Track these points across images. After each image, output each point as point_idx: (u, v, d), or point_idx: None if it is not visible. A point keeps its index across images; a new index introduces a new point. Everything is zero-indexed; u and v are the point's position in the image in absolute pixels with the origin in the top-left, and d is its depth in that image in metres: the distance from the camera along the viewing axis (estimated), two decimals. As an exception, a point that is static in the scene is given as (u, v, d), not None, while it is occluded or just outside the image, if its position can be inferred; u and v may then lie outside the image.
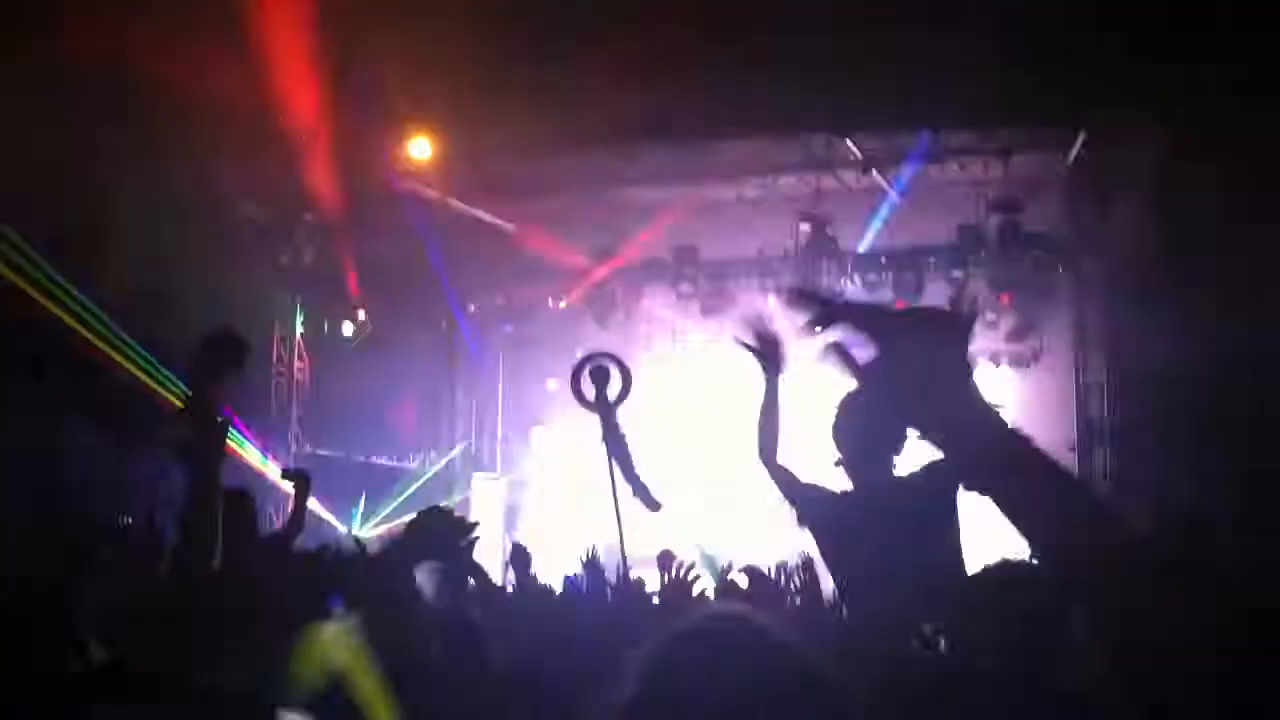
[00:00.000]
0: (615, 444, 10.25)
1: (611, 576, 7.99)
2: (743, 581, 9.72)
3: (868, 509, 5.18)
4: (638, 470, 9.94)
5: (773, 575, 8.75)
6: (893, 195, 17.36)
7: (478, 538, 4.11)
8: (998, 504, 1.84)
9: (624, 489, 9.75)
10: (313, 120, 14.37)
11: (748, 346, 5.60)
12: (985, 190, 16.83)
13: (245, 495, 6.22)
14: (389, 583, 4.66)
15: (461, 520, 4.11)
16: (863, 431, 5.23)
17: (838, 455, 5.36)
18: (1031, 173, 16.74)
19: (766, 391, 5.61)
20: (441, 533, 3.81)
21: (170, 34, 11.71)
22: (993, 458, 1.83)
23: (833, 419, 5.35)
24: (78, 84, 11.52)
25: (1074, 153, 16.27)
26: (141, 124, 12.34)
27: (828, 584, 7.35)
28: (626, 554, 9.08)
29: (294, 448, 18.74)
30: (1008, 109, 14.99)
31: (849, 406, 5.32)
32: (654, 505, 9.73)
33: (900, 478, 5.29)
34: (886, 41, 12.78)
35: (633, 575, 8.10)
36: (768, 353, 5.60)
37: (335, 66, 13.39)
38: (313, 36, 12.76)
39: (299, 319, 19.69)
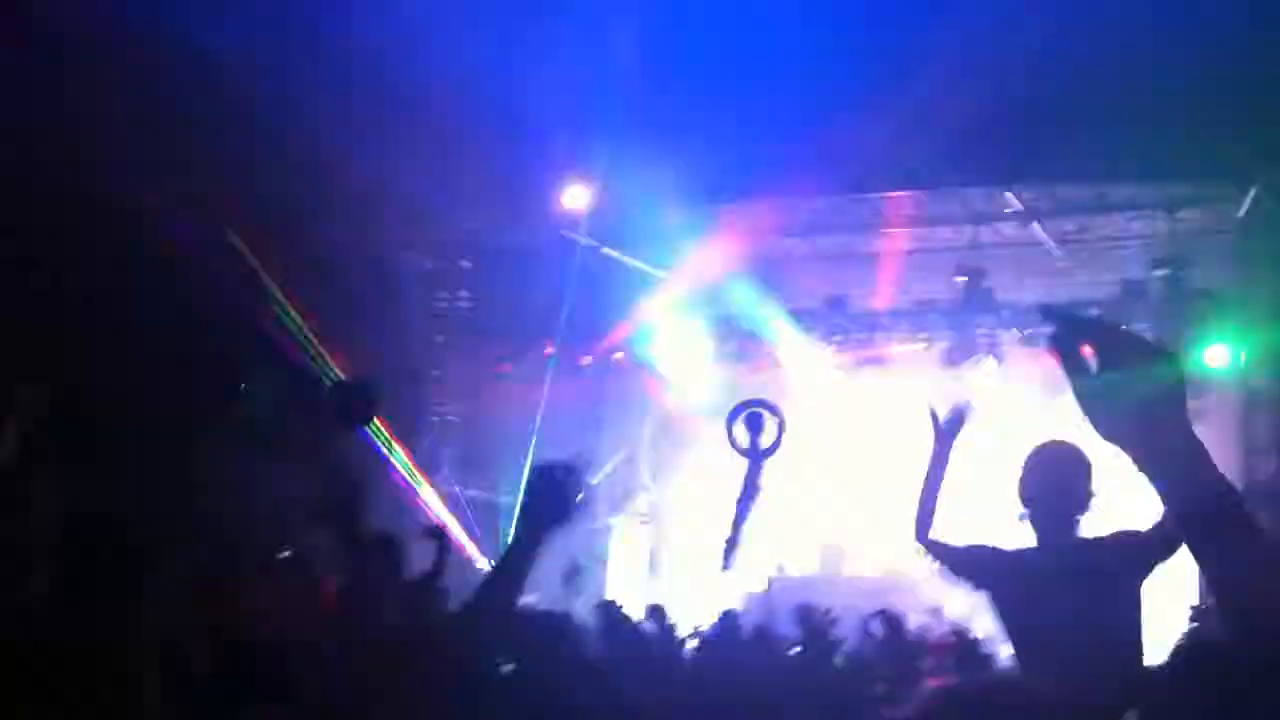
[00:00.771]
0: (748, 493, 10.25)
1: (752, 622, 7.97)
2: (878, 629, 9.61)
3: (1055, 568, 5.05)
4: (744, 527, 9.95)
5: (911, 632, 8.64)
6: (1053, 248, 17.07)
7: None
8: (1202, 563, 1.81)
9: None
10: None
11: (934, 415, 5.49)
12: (1150, 245, 16.43)
13: (392, 541, 6.37)
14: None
15: None
16: (1054, 485, 5.11)
17: (1022, 510, 5.24)
18: (1201, 228, 16.31)
19: (934, 463, 5.48)
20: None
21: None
22: (1207, 504, 1.81)
23: (1020, 473, 5.24)
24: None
25: (1244, 209, 15.80)
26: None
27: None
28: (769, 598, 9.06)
29: (445, 488, 19.07)
30: (1176, 164, 14.69)
31: (1039, 460, 5.22)
32: (728, 564, 9.71)
33: (1088, 539, 5.17)
34: (1049, 94, 12.69)
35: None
36: (952, 425, 5.50)
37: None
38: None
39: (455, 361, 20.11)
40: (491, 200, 16.68)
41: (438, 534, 8.57)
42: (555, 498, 3.30)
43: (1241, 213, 15.91)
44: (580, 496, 3.34)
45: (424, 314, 19.64)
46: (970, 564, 5.31)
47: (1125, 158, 14.33)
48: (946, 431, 5.45)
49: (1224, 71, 12.48)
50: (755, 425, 10.16)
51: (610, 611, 7.33)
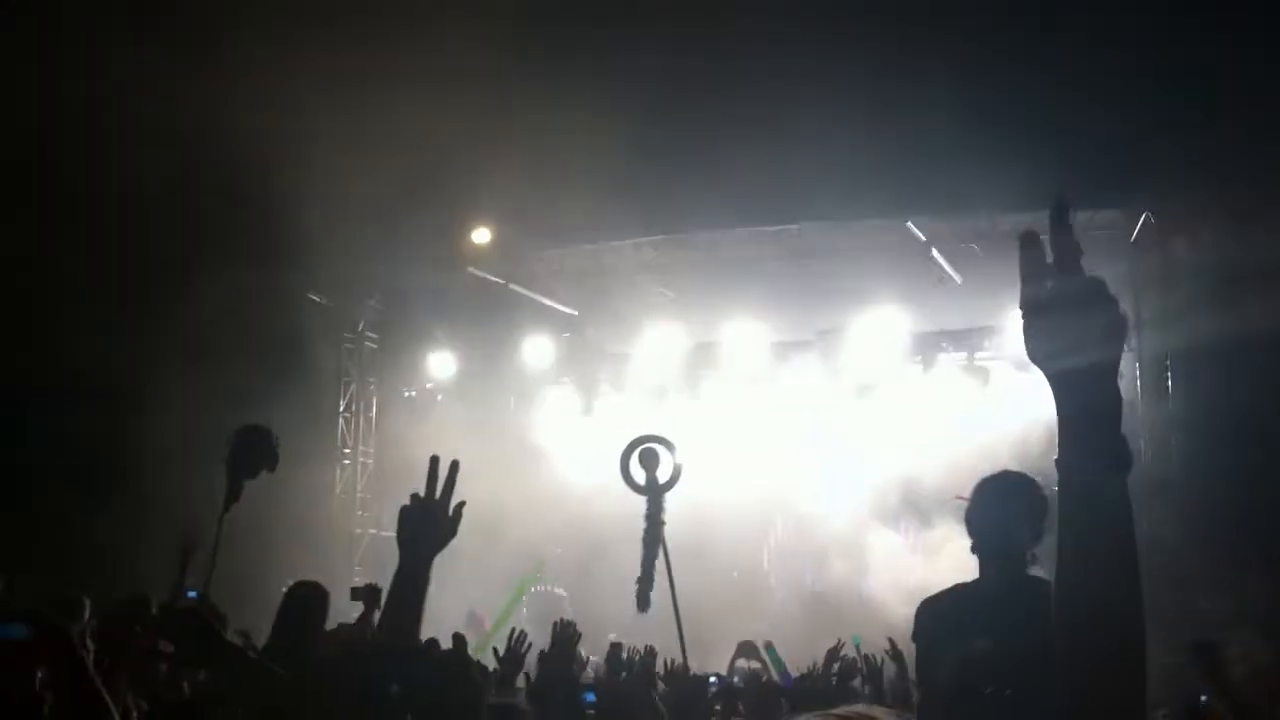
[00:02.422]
0: (652, 530, 10.19)
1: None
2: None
3: (988, 603, 4.95)
4: (655, 564, 9.87)
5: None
6: (952, 275, 17.46)
7: None
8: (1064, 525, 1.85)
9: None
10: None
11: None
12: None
13: (317, 587, 6.34)
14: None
15: None
16: (1000, 518, 4.96)
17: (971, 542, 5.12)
18: (1092, 253, 16.72)
19: None
20: None
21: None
22: (1099, 466, 1.85)
23: (969, 502, 5.11)
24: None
25: (1135, 234, 16.32)
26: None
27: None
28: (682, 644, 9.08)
29: (358, 531, 18.90)
30: (1068, 192, 15.20)
31: (986, 491, 5.10)
32: (644, 604, 9.69)
33: (1034, 578, 5.06)
34: (945, 130, 13.12)
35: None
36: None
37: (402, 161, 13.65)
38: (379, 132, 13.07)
39: (366, 401, 19.99)
40: (398, 240, 16.64)
41: (367, 592, 8.54)
42: (431, 525, 3.41)
43: (1133, 238, 16.38)
44: (454, 522, 3.44)
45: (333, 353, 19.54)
46: (918, 625, 5.22)
47: (1016, 188, 14.76)
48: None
49: (1111, 101, 13.03)
50: (650, 461, 10.12)
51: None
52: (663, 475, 9.94)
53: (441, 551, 3.45)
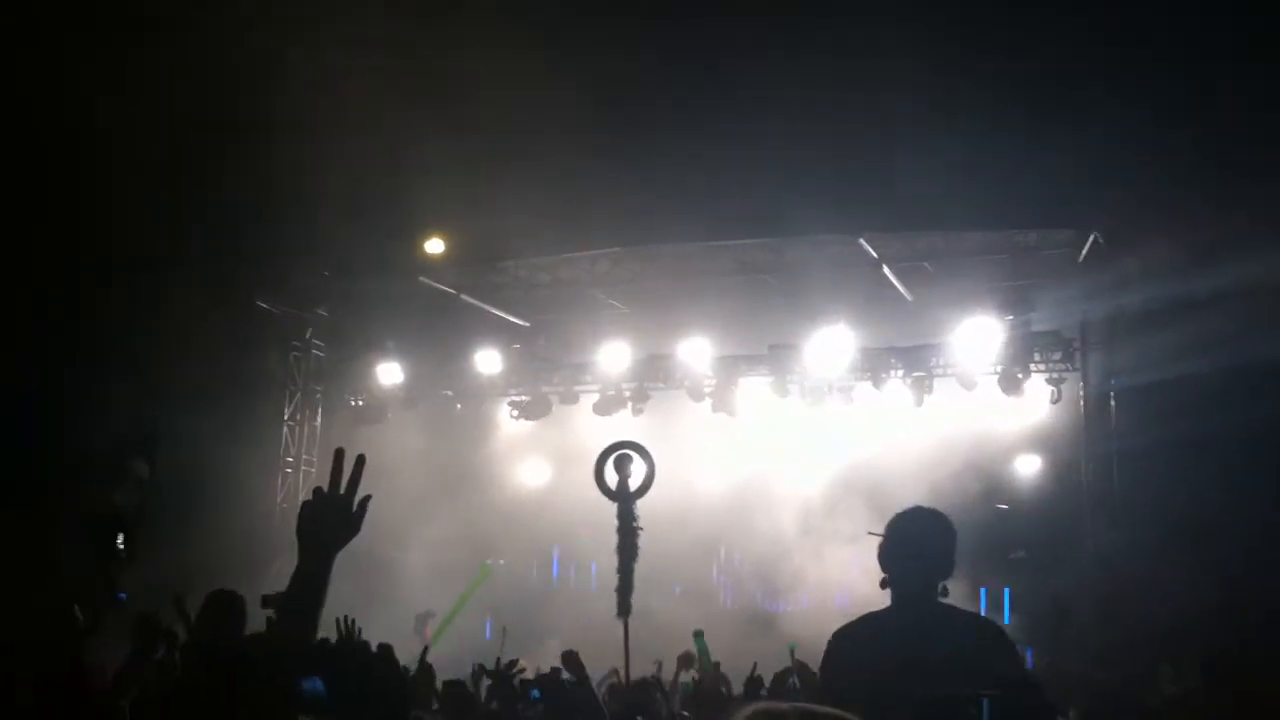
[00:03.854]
0: (626, 536, 10.23)
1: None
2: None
3: (902, 626, 5.01)
4: (633, 570, 9.92)
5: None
6: (904, 293, 17.61)
7: None
8: None
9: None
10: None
11: None
12: (996, 290, 17.04)
13: (234, 593, 6.32)
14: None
15: None
16: (912, 548, 5.08)
17: (883, 575, 5.22)
18: (1044, 272, 17.03)
19: None
20: None
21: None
22: None
23: (883, 538, 5.22)
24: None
25: (1084, 253, 16.50)
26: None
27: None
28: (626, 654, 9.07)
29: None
30: (1019, 213, 15.54)
31: (900, 524, 5.21)
32: (625, 609, 9.67)
33: (947, 605, 5.15)
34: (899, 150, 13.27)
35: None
36: None
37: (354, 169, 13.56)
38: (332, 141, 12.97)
39: (311, 410, 19.84)
40: (348, 248, 16.54)
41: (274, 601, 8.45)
42: (335, 520, 3.29)
43: (1081, 258, 16.55)
44: (358, 517, 3.31)
45: (279, 361, 19.39)
46: (829, 657, 5.26)
47: (968, 207, 14.94)
48: None
49: (1062, 122, 13.21)
50: (623, 466, 10.15)
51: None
52: (634, 482, 9.98)
53: (345, 549, 3.30)
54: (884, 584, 5.11)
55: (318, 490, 3.32)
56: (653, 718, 7.47)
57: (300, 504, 3.34)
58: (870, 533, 5.50)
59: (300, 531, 3.30)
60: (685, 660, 11.63)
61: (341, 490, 3.30)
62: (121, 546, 6.17)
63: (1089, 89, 13.60)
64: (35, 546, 11.28)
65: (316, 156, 12.82)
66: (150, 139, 12.38)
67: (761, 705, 1.85)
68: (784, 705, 1.84)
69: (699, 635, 12.01)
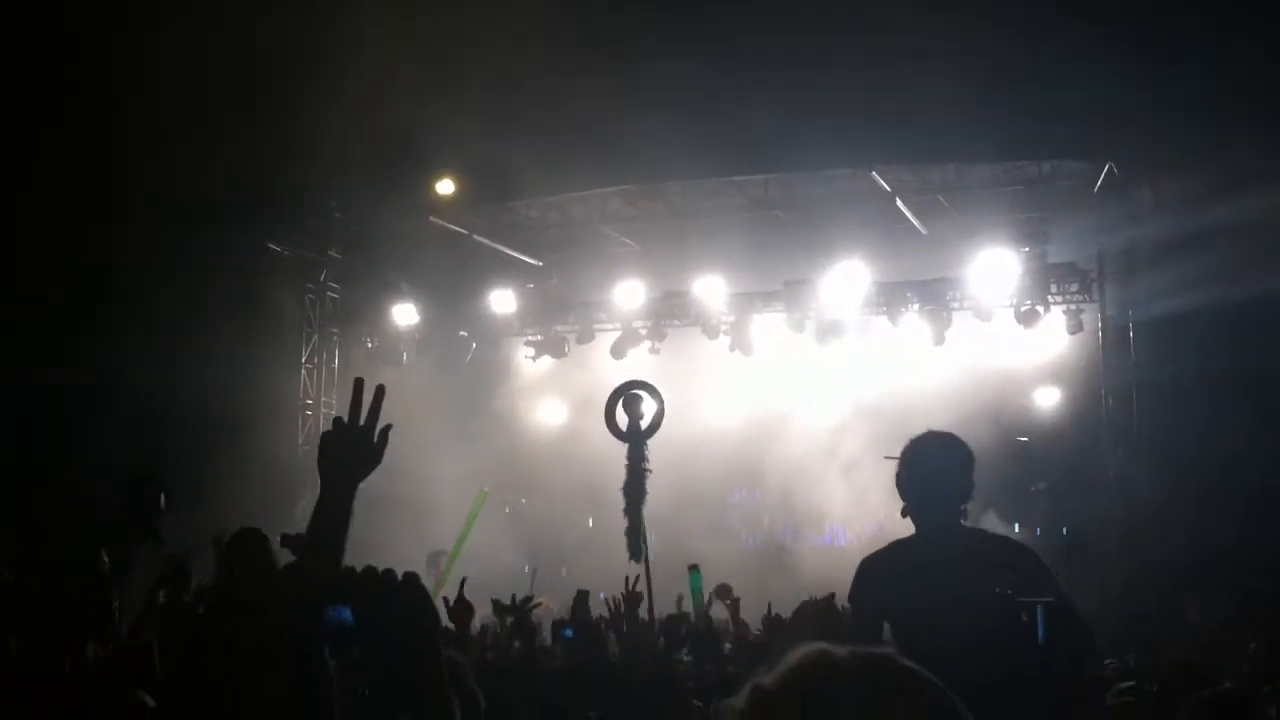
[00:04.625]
0: (635, 477, 10.20)
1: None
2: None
3: (930, 554, 5.01)
4: (642, 512, 9.86)
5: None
6: (918, 226, 17.51)
7: None
8: None
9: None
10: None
11: None
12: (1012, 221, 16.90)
13: (258, 533, 6.32)
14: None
15: None
16: (930, 473, 5.06)
17: (903, 504, 5.20)
18: (1058, 203, 16.88)
19: None
20: None
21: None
22: None
23: (899, 465, 5.20)
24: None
25: (1099, 184, 16.33)
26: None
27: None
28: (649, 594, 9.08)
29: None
30: (1032, 143, 15.41)
31: (916, 450, 5.18)
32: (637, 553, 9.59)
33: (969, 528, 5.14)
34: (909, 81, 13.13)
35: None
36: None
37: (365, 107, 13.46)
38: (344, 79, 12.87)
39: (329, 352, 19.87)
40: (360, 190, 16.49)
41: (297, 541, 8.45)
42: (356, 451, 3.21)
43: (1096, 188, 16.40)
44: (380, 448, 3.23)
45: (295, 304, 19.38)
46: (859, 587, 5.27)
47: (981, 139, 14.80)
48: None
49: (1075, 52, 13.06)
50: (633, 407, 10.05)
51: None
52: (645, 422, 9.89)
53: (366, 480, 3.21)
54: (905, 512, 5.11)
55: (337, 420, 3.23)
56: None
57: (321, 436, 3.25)
58: (887, 456, 5.48)
59: (321, 465, 3.23)
60: (722, 591, 11.47)
61: (361, 421, 3.22)
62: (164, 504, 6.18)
63: (1103, 16, 13.40)
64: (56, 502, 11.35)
65: (331, 99, 12.75)
66: (158, 82, 12.31)
67: (815, 648, 1.79)
68: (841, 648, 1.78)
69: (695, 571, 11.81)
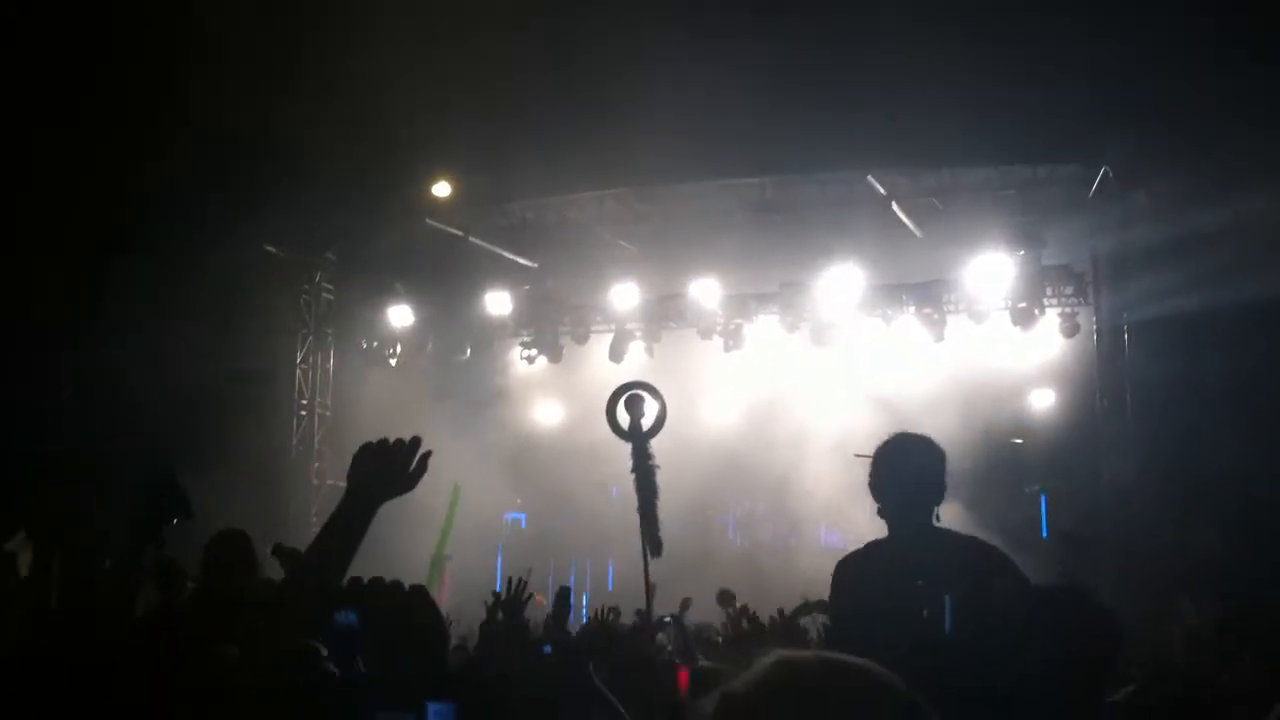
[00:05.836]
0: (643, 475, 10.21)
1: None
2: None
3: (903, 554, 5.07)
4: (656, 506, 9.88)
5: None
6: (914, 229, 17.54)
7: None
8: None
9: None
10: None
11: None
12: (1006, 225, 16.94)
13: (242, 535, 6.31)
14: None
15: None
16: (904, 474, 5.12)
17: (877, 505, 5.26)
18: (1053, 208, 16.92)
19: None
20: None
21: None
22: None
23: (872, 465, 5.25)
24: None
25: (1094, 188, 16.37)
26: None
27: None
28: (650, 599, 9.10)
29: (315, 482, 18.81)
30: (1028, 147, 15.45)
31: (889, 450, 5.23)
32: (657, 548, 9.61)
33: (941, 529, 5.20)
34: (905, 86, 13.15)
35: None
36: None
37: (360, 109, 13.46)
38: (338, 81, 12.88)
39: (324, 354, 19.88)
40: (356, 192, 16.49)
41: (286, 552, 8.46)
42: (391, 469, 3.21)
43: (1091, 192, 16.44)
44: (417, 474, 3.22)
45: (290, 305, 19.40)
46: (837, 587, 5.32)
47: (976, 143, 14.83)
48: None
49: (1071, 55, 13.07)
50: (635, 407, 10.06)
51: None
52: (647, 422, 9.91)
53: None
54: (880, 513, 5.17)
55: (383, 439, 3.22)
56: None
57: (359, 447, 3.24)
58: (857, 455, 5.52)
59: (351, 476, 3.20)
60: (724, 598, 11.59)
61: (406, 443, 3.20)
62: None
63: (1097, 20, 13.44)
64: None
65: (326, 100, 12.76)
66: (158, 82, 12.32)
67: (784, 653, 1.83)
68: (806, 653, 1.82)
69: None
